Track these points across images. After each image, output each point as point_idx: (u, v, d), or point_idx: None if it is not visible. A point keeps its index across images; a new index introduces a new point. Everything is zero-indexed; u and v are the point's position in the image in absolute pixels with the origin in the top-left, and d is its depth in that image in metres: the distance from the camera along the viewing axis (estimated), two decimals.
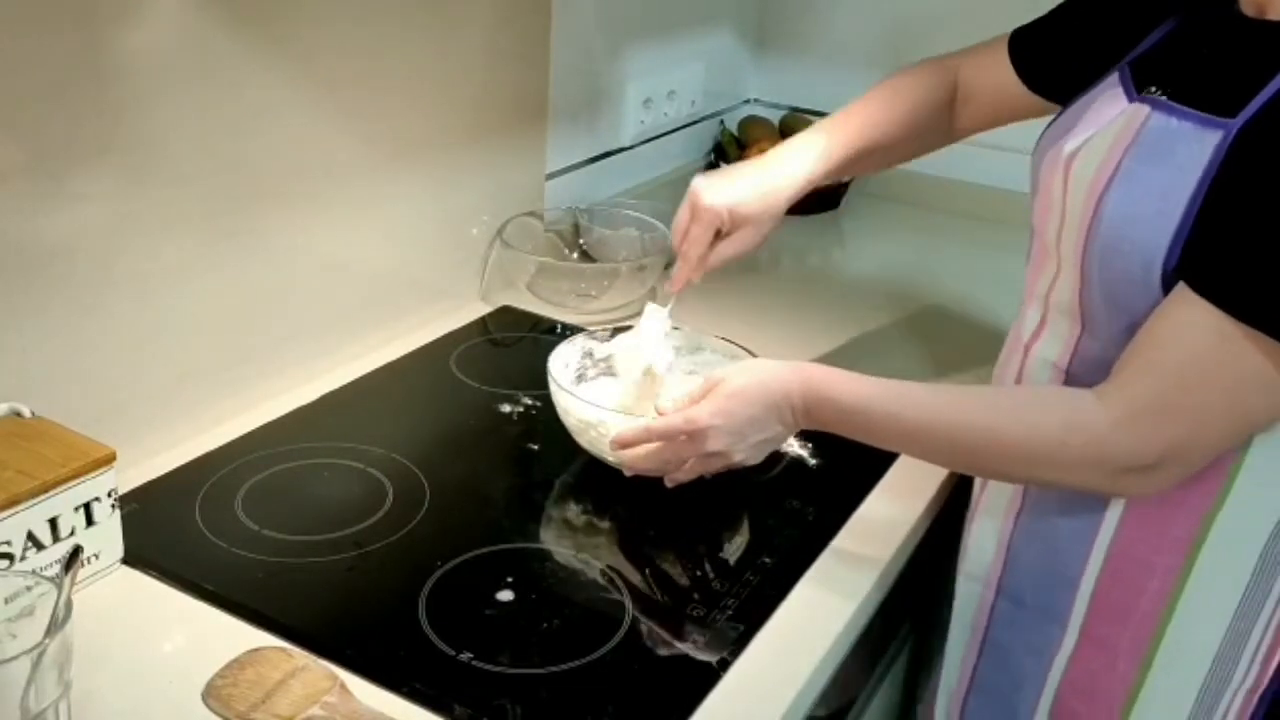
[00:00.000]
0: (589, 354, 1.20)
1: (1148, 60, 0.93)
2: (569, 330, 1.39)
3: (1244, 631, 0.91)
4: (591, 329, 1.22)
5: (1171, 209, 0.81)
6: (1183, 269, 0.80)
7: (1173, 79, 0.87)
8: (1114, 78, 0.93)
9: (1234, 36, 0.86)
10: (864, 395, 0.93)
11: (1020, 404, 0.92)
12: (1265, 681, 0.94)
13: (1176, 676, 0.93)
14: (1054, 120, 1.00)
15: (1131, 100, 0.88)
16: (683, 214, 1.11)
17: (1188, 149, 0.81)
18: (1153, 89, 0.88)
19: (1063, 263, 0.92)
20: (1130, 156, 0.85)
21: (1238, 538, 0.89)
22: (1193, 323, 0.79)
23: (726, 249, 1.11)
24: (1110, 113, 0.90)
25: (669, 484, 1.01)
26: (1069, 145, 0.91)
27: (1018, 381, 0.98)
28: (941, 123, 1.17)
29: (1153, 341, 0.82)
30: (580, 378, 1.18)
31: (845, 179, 1.86)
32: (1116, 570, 0.92)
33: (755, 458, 0.99)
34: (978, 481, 1.05)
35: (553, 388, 1.08)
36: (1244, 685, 0.94)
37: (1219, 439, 0.83)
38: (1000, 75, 1.12)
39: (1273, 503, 0.88)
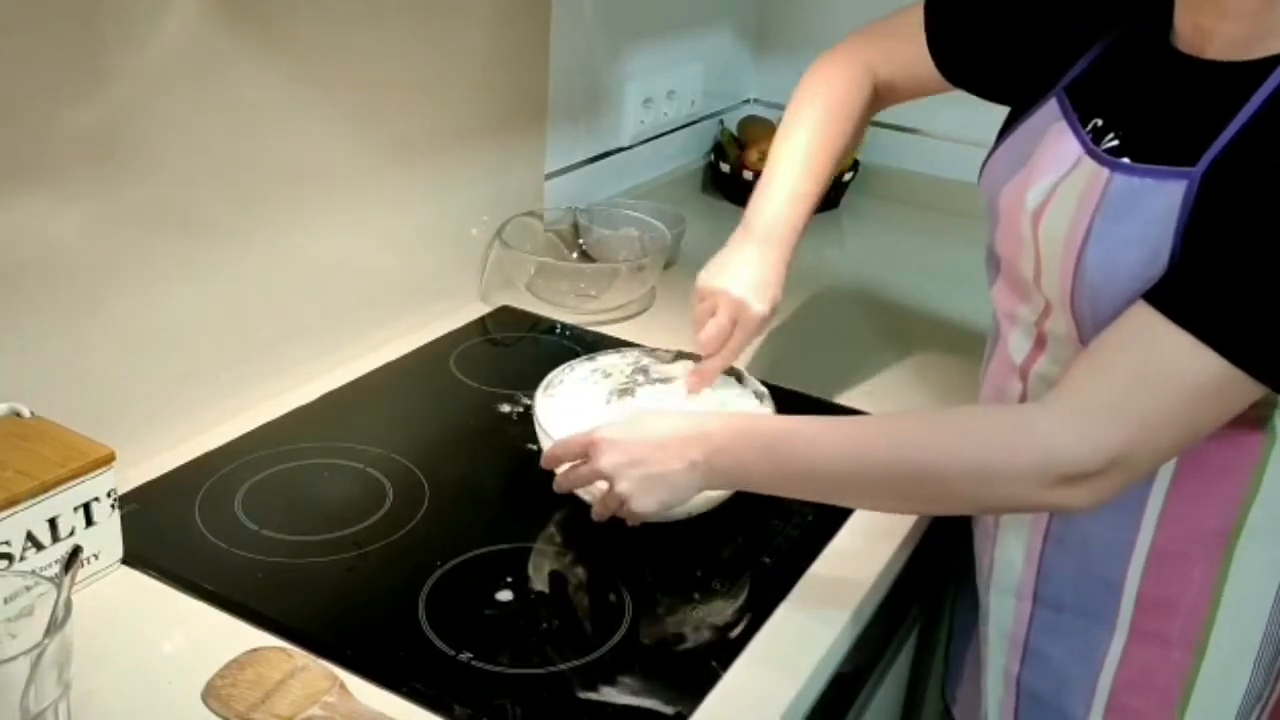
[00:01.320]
0: (643, 369, 1.17)
1: (1085, 86, 0.93)
2: (568, 330, 1.39)
3: None
4: (653, 348, 1.18)
5: (1153, 256, 0.82)
6: (1148, 293, 0.81)
7: (1118, 115, 0.88)
8: (1053, 105, 0.93)
9: (1177, 75, 0.86)
10: (792, 422, 0.91)
11: (963, 421, 0.89)
12: None
13: (1230, 657, 0.94)
14: (996, 148, 1.00)
15: (1085, 147, 0.88)
16: (724, 321, 1.08)
17: (1151, 201, 0.82)
18: (1098, 122, 0.89)
19: (1051, 303, 0.92)
20: (1100, 217, 0.85)
21: (1274, 519, 0.90)
22: (1147, 333, 0.80)
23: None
24: (1065, 156, 0.90)
25: (630, 522, 0.97)
26: (1031, 198, 0.91)
27: (1022, 402, 0.98)
28: (865, 123, 1.17)
29: (1102, 349, 0.83)
30: (625, 391, 1.15)
31: (844, 179, 1.87)
32: (1159, 566, 0.92)
33: (643, 496, 0.91)
34: None
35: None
36: None
37: (1165, 446, 0.82)
38: (921, 70, 1.10)
39: None
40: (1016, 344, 0.98)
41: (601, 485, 0.94)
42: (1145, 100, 0.88)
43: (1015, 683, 1.04)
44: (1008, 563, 1.02)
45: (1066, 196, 0.88)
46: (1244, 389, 0.79)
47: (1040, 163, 0.92)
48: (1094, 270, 0.85)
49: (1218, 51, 0.84)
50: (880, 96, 1.16)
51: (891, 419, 0.93)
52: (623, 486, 0.91)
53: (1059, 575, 0.98)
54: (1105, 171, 0.86)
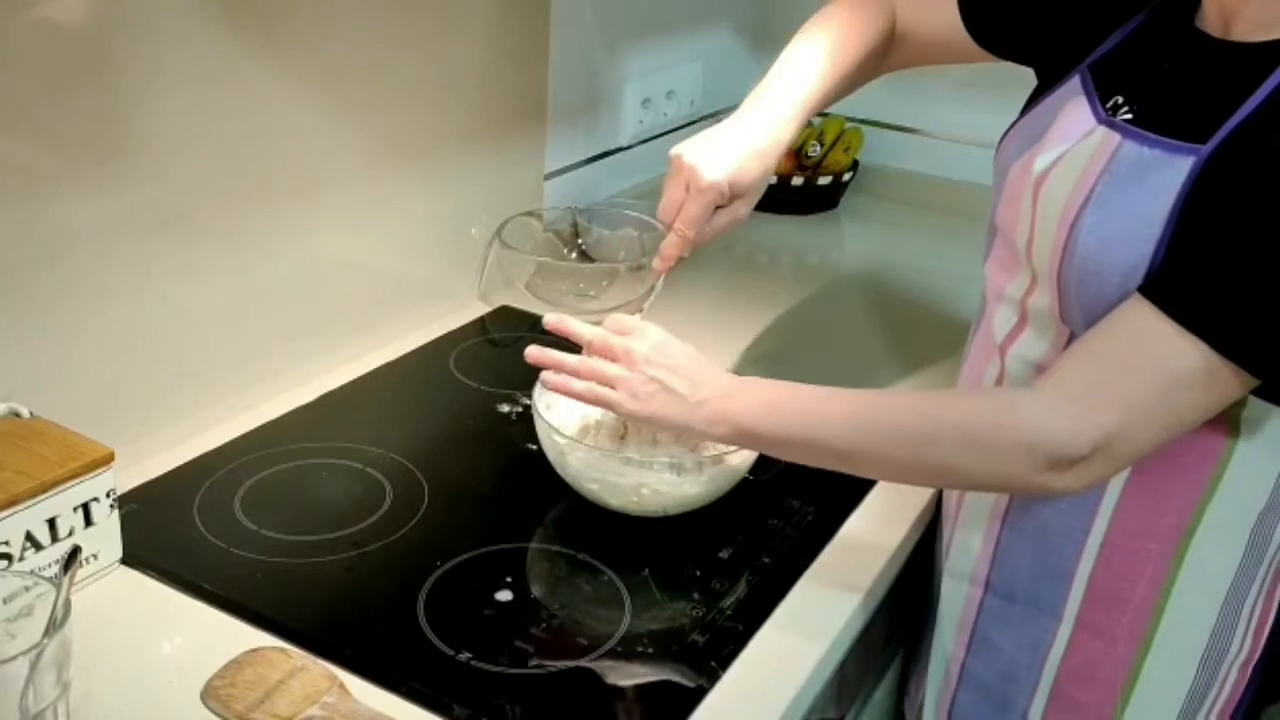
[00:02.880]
0: None
1: (1109, 65, 0.93)
2: None
3: (1237, 605, 0.92)
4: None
5: (1147, 232, 0.81)
6: (1143, 286, 0.81)
7: (1137, 92, 0.88)
8: (1075, 82, 0.93)
9: (1198, 55, 0.86)
10: (795, 386, 0.91)
11: (957, 394, 0.92)
12: (1258, 653, 0.96)
13: (1175, 655, 0.94)
14: (1017, 122, 1.00)
15: (1099, 118, 0.89)
16: (674, 191, 1.04)
17: (1158, 175, 0.82)
18: (1118, 99, 0.89)
19: (1038, 276, 0.92)
20: (1103, 183, 0.85)
21: (1230, 520, 0.90)
22: (1135, 321, 0.80)
23: (721, 221, 1.05)
24: (1078, 128, 0.90)
25: (608, 408, 0.96)
26: (1039, 163, 0.91)
27: (999, 384, 0.98)
28: (875, 64, 1.13)
29: (1091, 338, 0.83)
30: None
31: (845, 179, 1.87)
32: (1111, 559, 0.92)
33: (647, 399, 0.92)
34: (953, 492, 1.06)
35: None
36: (1239, 658, 0.95)
37: (1148, 435, 0.82)
38: (942, 19, 1.08)
39: (1263, 485, 0.89)
40: (1000, 322, 0.98)
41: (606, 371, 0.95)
42: (1164, 78, 0.88)
43: (960, 669, 1.04)
44: (966, 548, 1.02)
45: (1074, 161, 0.88)
46: (1230, 378, 0.79)
47: (1054, 134, 0.92)
48: (1087, 237, 0.85)
49: (1241, 33, 0.83)
50: (895, 40, 1.12)
51: (893, 391, 0.93)
52: (634, 382, 0.93)
53: (1014, 564, 0.98)
54: (1116, 137, 0.86)
